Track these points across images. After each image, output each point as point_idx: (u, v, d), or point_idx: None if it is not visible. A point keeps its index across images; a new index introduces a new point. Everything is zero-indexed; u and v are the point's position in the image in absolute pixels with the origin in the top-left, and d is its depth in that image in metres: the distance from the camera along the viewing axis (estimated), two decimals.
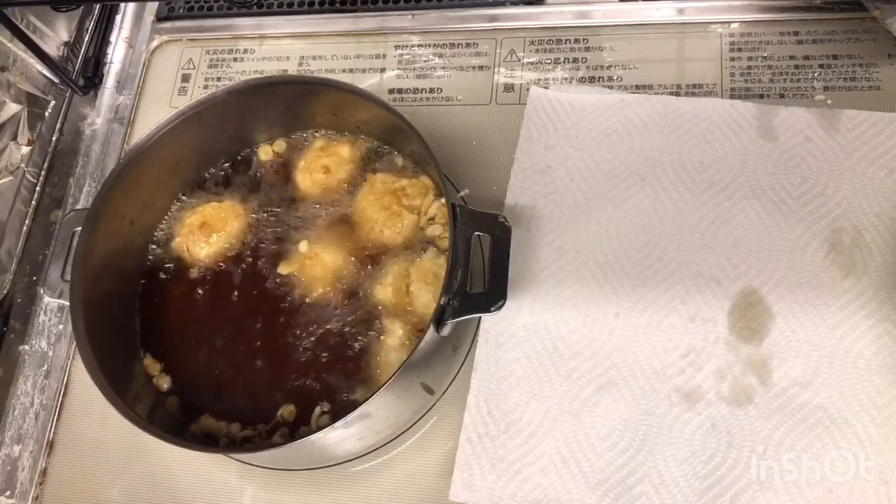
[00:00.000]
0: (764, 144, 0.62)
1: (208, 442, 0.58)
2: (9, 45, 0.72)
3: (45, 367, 0.68)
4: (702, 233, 0.60)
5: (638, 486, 0.54)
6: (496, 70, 0.71)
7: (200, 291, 0.64)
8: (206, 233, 0.64)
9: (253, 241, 0.64)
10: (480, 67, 0.72)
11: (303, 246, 0.62)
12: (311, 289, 0.61)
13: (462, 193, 0.66)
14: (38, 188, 0.75)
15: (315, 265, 0.61)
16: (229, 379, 0.60)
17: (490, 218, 0.56)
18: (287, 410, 0.58)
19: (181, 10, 0.80)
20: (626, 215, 0.62)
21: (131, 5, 0.82)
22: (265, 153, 0.68)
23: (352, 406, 0.51)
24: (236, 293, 0.63)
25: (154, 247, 0.66)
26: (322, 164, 0.64)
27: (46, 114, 0.77)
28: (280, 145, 0.68)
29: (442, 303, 0.53)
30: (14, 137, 0.73)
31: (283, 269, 0.62)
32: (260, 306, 0.62)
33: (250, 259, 0.64)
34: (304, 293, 0.61)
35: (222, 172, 0.68)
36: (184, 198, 0.67)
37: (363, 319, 0.60)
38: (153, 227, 0.66)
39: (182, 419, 0.60)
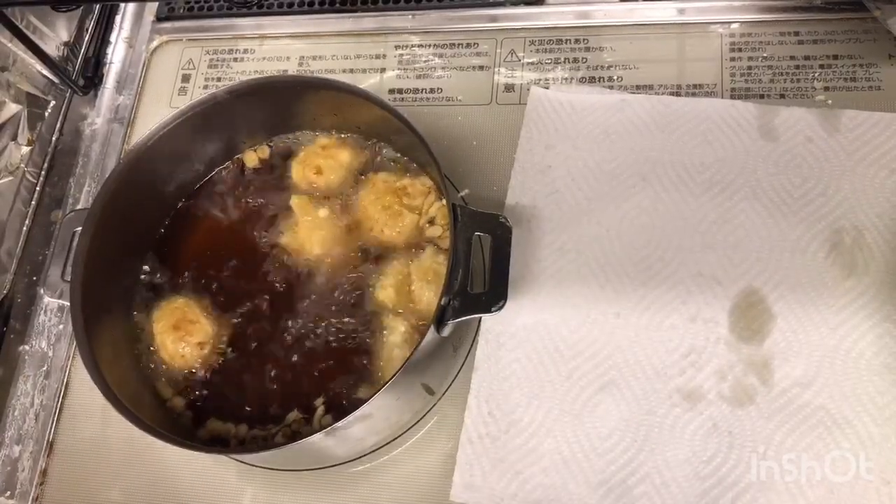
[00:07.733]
0: (765, 145, 0.62)
1: (213, 443, 0.58)
2: (9, 45, 0.72)
3: (45, 367, 0.68)
4: (703, 233, 0.60)
5: (639, 487, 0.54)
6: (496, 70, 0.71)
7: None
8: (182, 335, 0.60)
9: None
10: (480, 67, 0.72)
11: (323, 212, 0.62)
12: (311, 272, 0.61)
13: (462, 193, 0.66)
14: (38, 188, 0.75)
15: (320, 227, 0.62)
16: (231, 381, 0.60)
17: (491, 218, 0.56)
18: (295, 418, 0.58)
19: (181, 10, 0.80)
20: (627, 215, 0.62)
21: (131, 5, 0.82)
22: (250, 159, 0.67)
23: (353, 406, 0.51)
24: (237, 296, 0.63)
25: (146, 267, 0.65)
26: (316, 164, 0.64)
27: (46, 114, 0.77)
28: (264, 151, 0.67)
29: (442, 303, 0.53)
30: (14, 137, 0.73)
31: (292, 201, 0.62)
32: (261, 307, 0.62)
33: (249, 262, 0.64)
34: (305, 290, 0.61)
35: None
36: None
37: (365, 319, 0.60)
38: (154, 225, 0.66)
39: (184, 420, 0.60)
